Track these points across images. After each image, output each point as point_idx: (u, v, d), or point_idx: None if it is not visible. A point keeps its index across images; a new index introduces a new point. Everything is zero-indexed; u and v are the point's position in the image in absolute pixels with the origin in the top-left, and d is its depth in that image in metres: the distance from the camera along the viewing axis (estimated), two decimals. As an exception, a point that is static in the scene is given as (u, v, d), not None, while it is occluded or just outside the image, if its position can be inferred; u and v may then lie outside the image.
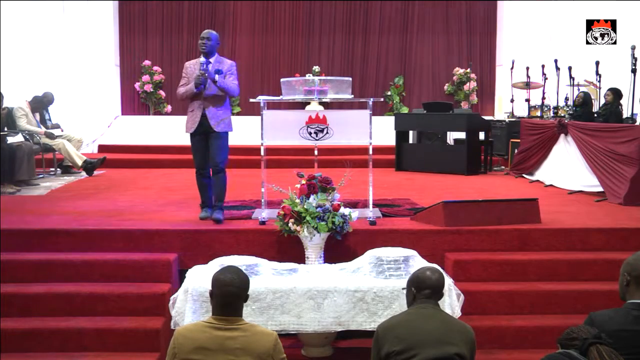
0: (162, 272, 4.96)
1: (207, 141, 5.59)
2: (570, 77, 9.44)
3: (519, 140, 9.45)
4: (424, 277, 3.22)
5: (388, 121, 10.56)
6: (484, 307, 4.83)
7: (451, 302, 4.29)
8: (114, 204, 6.64)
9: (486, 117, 10.73)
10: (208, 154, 5.62)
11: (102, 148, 11.27)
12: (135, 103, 13.23)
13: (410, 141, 10.40)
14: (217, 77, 5.40)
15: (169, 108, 13.00)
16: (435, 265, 3.76)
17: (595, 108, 9.20)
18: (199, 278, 4.33)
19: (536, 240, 5.35)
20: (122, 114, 12.92)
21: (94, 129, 11.54)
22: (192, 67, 5.59)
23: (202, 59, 5.54)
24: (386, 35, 13.45)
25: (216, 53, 5.60)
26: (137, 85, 12.98)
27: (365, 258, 4.65)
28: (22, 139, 8.61)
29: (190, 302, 4.23)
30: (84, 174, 9.01)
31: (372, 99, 5.65)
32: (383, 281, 4.40)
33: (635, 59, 7.42)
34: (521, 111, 11.09)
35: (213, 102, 5.50)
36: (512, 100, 11.07)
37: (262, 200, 5.73)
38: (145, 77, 12.94)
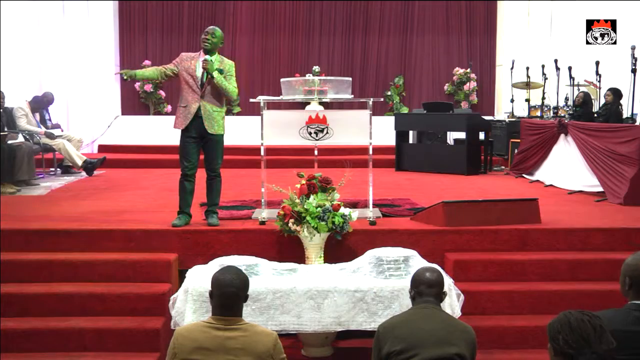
0: (162, 272, 4.97)
1: (200, 143, 5.42)
2: (570, 77, 9.44)
3: (519, 140, 9.45)
4: (424, 278, 3.22)
5: (388, 121, 10.55)
6: (484, 307, 4.82)
7: (451, 302, 4.29)
8: (114, 204, 6.63)
9: (486, 117, 10.72)
10: (198, 156, 5.47)
11: (102, 148, 11.27)
12: (135, 103, 13.21)
13: (410, 141, 10.40)
14: (216, 74, 5.25)
15: (169, 108, 12.98)
16: (435, 266, 3.76)
17: (595, 108, 9.20)
18: (199, 278, 4.33)
19: (536, 240, 5.35)
20: (122, 114, 12.91)
21: (94, 129, 11.54)
22: (187, 60, 5.37)
23: (203, 55, 5.33)
24: (386, 35, 13.45)
25: (216, 52, 5.41)
26: (137, 85, 12.98)
27: (365, 258, 4.65)
28: (22, 139, 8.61)
29: (190, 302, 4.24)
30: (84, 174, 9.01)
31: (372, 99, 5.65)
32: (383, 281, 4.40)
33: (635, 59, 7.42)
34: (521, 111, 11.09)
35: (210, 100, 5.33)
36: (512, 100, 11.07)
37: (262, 200, 5.72)
38: (145, 77, 12.92)
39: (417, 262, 4.53)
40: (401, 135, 10.03)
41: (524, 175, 8.99)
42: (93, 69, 11.79)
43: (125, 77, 5.37)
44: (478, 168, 9.52)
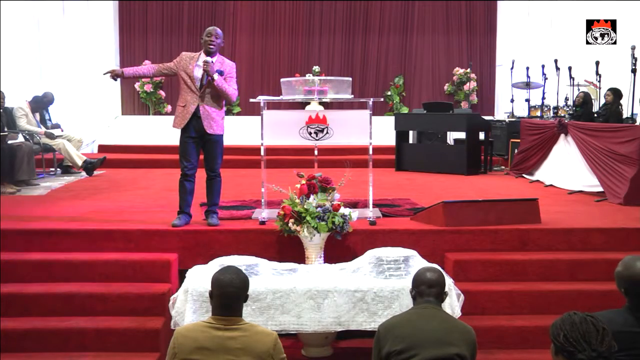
0: (162, 272, 4.96)
1: (200, 143, 5.41)
2: (570, 77, 9.45)
3: (519, 140, 9.45)
4: (424, 278, 3.23)
5: (388, 121, 10.56)
6: (484, 307, 4.82)
7: (451, 302, 4.29)
8: (114, 204, 6.63)
9: (486, 117, 10.72)
10: (197, 156, 5.46)
11: (102, 148, 11.26)
12: (135, 103, 13.23)
13: (410, 141, 10.40)
14: (216, 76, 5.24)
15: (168, 108, 12.99)
16: (436, 266, 3.76)
17: (595, 108, 9.21)
18: (199, 278, 4.33)
19: (536, 240, 5.35)
20: (122, 114, 12.92)
21: (94, 129, 11.54)
22: (187, 60, 5.35)
23: (203, 55, 5.30)
24: (386, 35, 13.45)
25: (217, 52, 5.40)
26: (137, 85, 12.98)
27: (365, 258, 4.65)
28: (22, 139, 8.61)
29: (190, 302, 4.24)
30: (84, 174, 9.00)
31: (372, 99, 5.64)
32: (383, 281, 4.40)
33: (635, 59, 7.42)
34: (521, 111, 11.09)
35: (209, 101, 5.30)
36: (512, 100, 11.07)
37: (262, 200, 5.72)
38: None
39: (417, 262, 4.53)
40: (401, 135, 10.03)
41: (524, 175, 8.99)
42: (93, 69, 11.78)
43: (112, 77, 5.39)
44: (478, 168, 9.52)
